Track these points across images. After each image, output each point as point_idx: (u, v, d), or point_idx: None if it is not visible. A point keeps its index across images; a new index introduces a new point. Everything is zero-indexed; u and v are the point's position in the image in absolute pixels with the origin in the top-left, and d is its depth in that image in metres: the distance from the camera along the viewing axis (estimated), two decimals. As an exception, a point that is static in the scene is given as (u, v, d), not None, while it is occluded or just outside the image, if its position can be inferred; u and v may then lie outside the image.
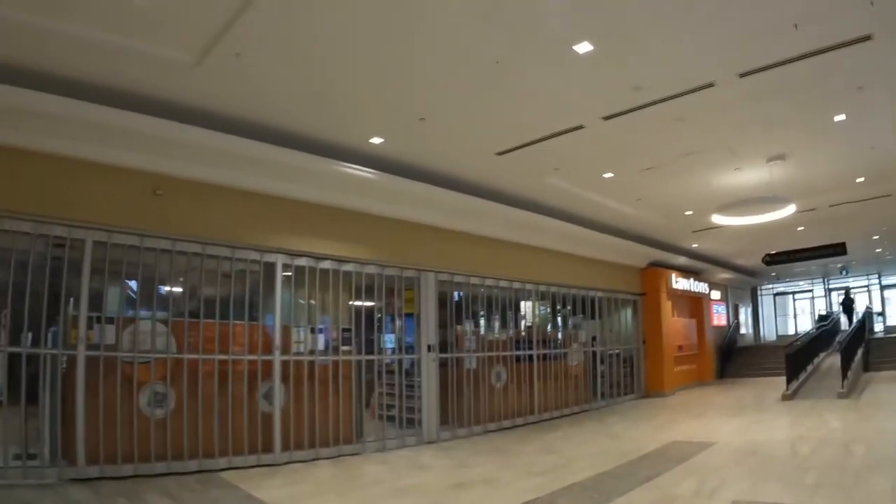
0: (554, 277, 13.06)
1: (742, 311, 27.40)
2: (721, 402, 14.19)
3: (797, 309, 34.44)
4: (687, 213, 13.19)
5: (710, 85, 6.90)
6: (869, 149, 9.49)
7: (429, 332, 9.82)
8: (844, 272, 29.96)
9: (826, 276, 32.35)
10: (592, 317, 14.64)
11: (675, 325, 17.78)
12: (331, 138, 8.03)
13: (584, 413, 13.08)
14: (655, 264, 16.87)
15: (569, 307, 13.85)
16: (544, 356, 12.42)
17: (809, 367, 16.07)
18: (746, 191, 11.03)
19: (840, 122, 8.23)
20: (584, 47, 5.94)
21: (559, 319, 13.98)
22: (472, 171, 9.67)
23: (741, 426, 10.07)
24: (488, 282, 11.23)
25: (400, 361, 9.99)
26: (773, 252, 18.23)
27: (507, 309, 11.80)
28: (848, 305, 25.14)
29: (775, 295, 33.82)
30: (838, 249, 16.85)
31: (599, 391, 14.43)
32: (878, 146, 9.40)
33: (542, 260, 12.63)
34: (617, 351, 15.57)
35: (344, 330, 8.92)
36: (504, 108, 7.40)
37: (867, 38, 5.95)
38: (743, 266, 24.16)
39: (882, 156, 9.84)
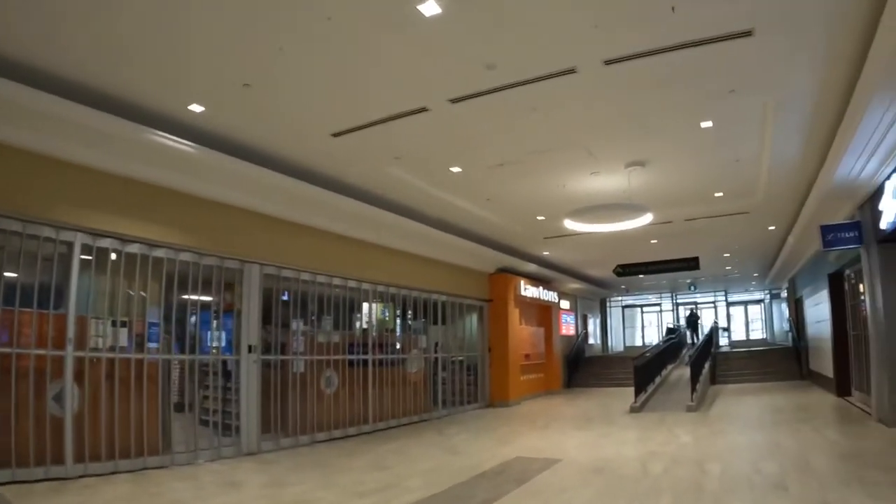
0: (396, 279, 13.46)
1: (591, 321, 29.40)
2: (568, 412, 15.09)
3: (645, 322, 37.09)
4: (539, 217, 14.02)
5: (572, 71, 6.80)
6: (733, 161, 10.33)
7: (251, 330, 9.69)
8: (693, 288, 32.86)
9: (674, 291, 35.47)
10: (436, 322, 15.11)
11: (522, 333, 18.72)
12: (140, 101, 7.35)
13: (424, 423, 13.52)
14: (504, 270, 17.79)
15: (410, 311, 14.25)
16: (381, 361, 12.74)
17: (657, 379, 17.74)
18: (602, 197, 11.68)
19: (707, 129, 8.63)
20: (430, 7, 5.57)
21: (399, 323, 14.25)
22: (306, 153, 9.38)
23: (588, 440, 10.17)
24: (321, 279, 11.34)
25: (224, 362, 9.80)
26: (626, 263, 19.82)
27: (342, 309, 11.97)
28: (693, 322, 27.85)
29: (624, 307, 36.34)
30: (691, 264, 18.82)
31: (441, 400, 14.97)
32: (743, 160, 10.24)
33: (384, 259, 12.98)
34: (461, 358, 16.22)
35: (151, 324, 8.50)
36: (338, 78, 6.99)
37: (748, 33, 6.04)
38: (594, 277, 26.08)
39: (744, 170, 10.86)
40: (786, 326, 27.04)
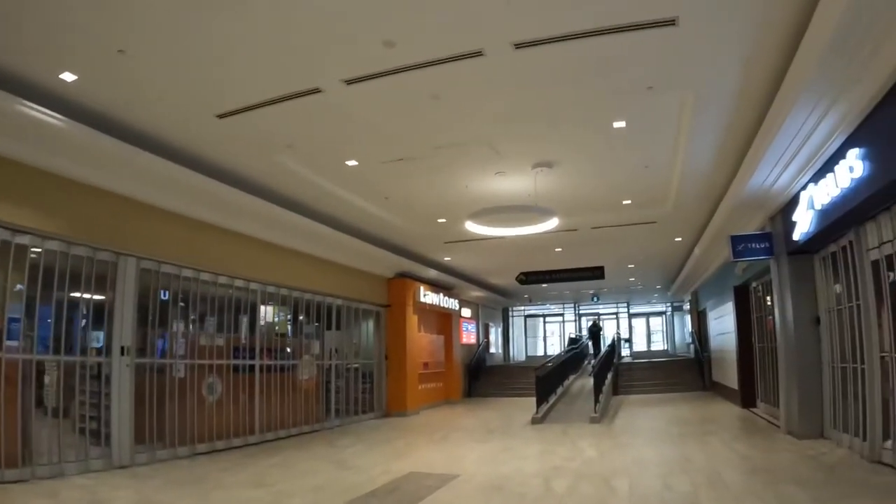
0: (288, 280, 13.20)
1: (493, 330, 29.85)
2: (467, 424, 15.15)
3: (548, 332, 37.86)
4: (440, 220, 14.00)
5: (479, 53, 6.58)
6: (644, 167, 10.60)
7: (125, 330, 9.12)
8: (596, 299, 34.16)
9: (577, 302, 36.74)
10: (330, 327, 14.96)
11: (421, 340, 18.75)
12: (5, 64, 6.68)
13: (315, 433, 13.31)
14: (404, 275, 17.80)
15: (303, 315, 13.99)
16: (269, 367, 12.45)
17: (559, 390, 18.12)
18: (507, 200, 11.77)
19: (619, 129, 8.73)
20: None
21: (290, 327, 13.97)
22: (190, 136, 8.78)
23: (488, 454, 10.03)
24: (205, 276, 10.92)
25: (98, 365, 9.14)
26: (529, 271, 20.17)
27: (228, 310, 11.57)
28: (595, 333, 28.26)
29: (527, 317, 37.06)
30: (597, 273, 19.42)
31: (334, 409, 14.81)
32: (654, 165, 10.50)
33: (276, 258, 12.68)
34: (356, 365, 16.09)
35: (12, 320, 7.84)
36: (223, 50, 6.52)
37: (671, 21, 5.96)
38: (496, 285, 26.53)
39: (655, 177, 11.16)
40: (688, 338, 28.13)
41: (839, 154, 7.31)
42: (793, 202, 9.47)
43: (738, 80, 7.29)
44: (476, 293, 24.80)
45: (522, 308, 36.35)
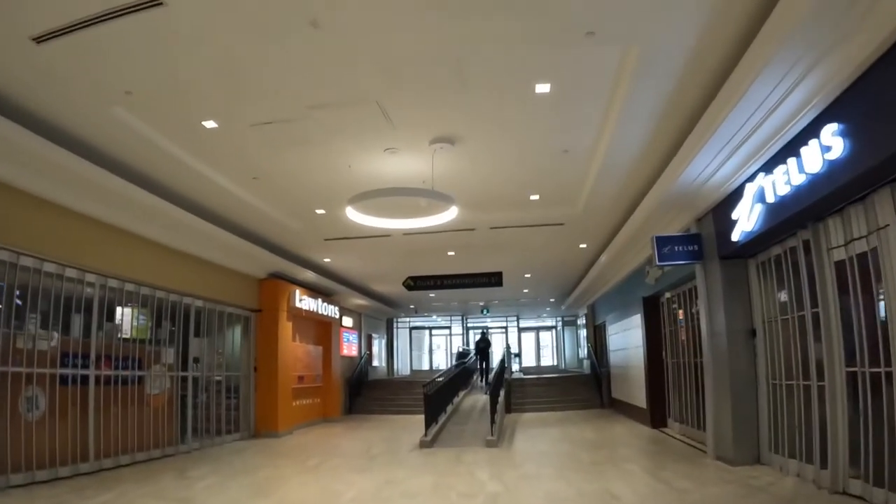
0: (135, 273, 11.14)
1: (376, 342, 28.39)
2: (347, 447, 13.55)
3: (434, 345, 36.80)
4: (318, 211, 12.32)
5: None
6: (560, 153, 9.37)
7: None
8: (485, 311, 33.39)
9: (465, 314, 35.85)
10: (189, 333, 13.09)
11: (296, 350, 17.07)
12: None
13: (168, 459, 11.37)
14: (277, 276, 16.02)
15: (156, 318, 12.04)
16: (108, 378, 10.42)
17: (449, 408, 16.76)
18: (398, 185, 10.14)
19: (542, 96, 7.43)
20: None
21: (139, 329, 12.05)
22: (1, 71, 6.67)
23: (370, 488, 8.54)
24: (26, 261, 8.72)
25: None
26: (418, 276, 18.57)
27: (55, 307, 9.35)
28: (483, 348, 26.01)
29: (412, 328, 35.82)
30: (494, 280, 18.06)
31: (193, 429, 12.87)
32: (573, 151, 9.29)
33: (118, 244, 10.60)
34: (220, 377, 14.32)
35: None
36: None
37: None
38: (381, 293, 25.05)
39: (571, 168, 9.97)
40: (582, 353, 27.67)
41: (810, 132, 6.23)
42: (732, 198, 8.49)
43: (697, 34, 6.07)
44: (359, 301, 23.22)
45: (408, 319, 35.18)
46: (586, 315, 25.38)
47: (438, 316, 35.86)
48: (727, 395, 9.07)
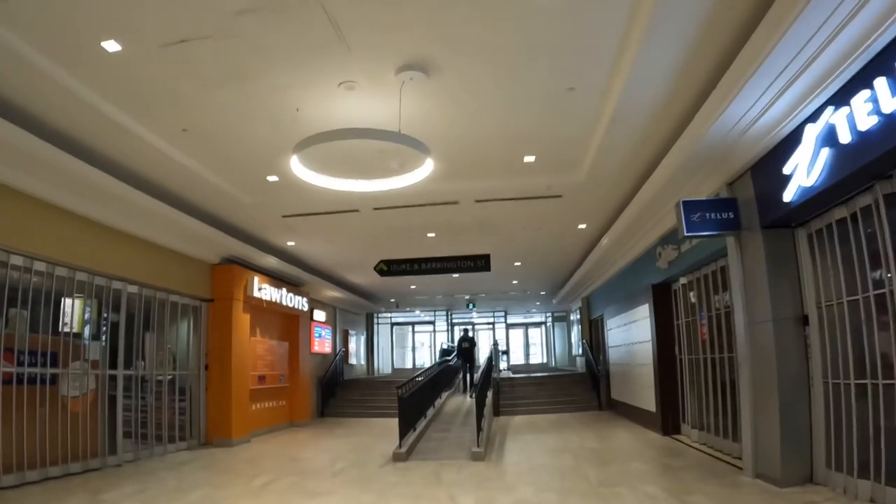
0: (57, 253, 9.30)
1: (354, 338, 26.51)
2: (308, 459, 11.60)
3: (417, 342, 35.20)
4: (271, 178, 10.38)
5: None
6: (564, 91, 7.47)
7: None
8: (471, 306, 31.67)
9: (450, 309, 34.20)
10: (135, 325, 11.39)
11: (256, 346, 15.20)
12: None
13: (91, 474, 9.54)
14: (233, 261, 14.16)
15: (75, 302, 10.11)
16: (14, 377, 8.60)
17: (431, 412, 14.96)
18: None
19: (544, 6, 5.68)
20: None
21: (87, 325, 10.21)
22: None
23: None
24: None
25: None
26: (393, 259, 16.48)
27: None
28: (467, 349, 21.89)
29: (394, 324, 34.25)
30: (480, 264, 15.83)
31: (125, 438, 10.93)
32: (582, 88, 7.40)
33: (36, 220, 8.77)
34: (165, 376, 12.55)
35: None
36: None
37: None
38: (357, 285, 23.28)
39: (576, 113, 8.08)
40: (576, 350, 25.92)
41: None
42: (783, 147, 6.71)
43: None
44: (333, 293, 21.33)
45: (389, 314, 33.43)
46: (581, 309, 23.54)
47: (422, 311, 34.10)
48: (771, 399, 7.26)
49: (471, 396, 15.49)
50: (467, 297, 28.93)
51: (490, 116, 8.18)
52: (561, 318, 34.95)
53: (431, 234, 14.34)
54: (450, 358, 22.17)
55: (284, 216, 12.54)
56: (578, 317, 24.49)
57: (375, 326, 31.96)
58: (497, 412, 17.54)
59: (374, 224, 13.15)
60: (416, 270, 15.91)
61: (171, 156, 9.14)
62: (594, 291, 20.57)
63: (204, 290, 13.62)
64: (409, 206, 11.57)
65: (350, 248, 15.99)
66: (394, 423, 11.96)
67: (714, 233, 8.01)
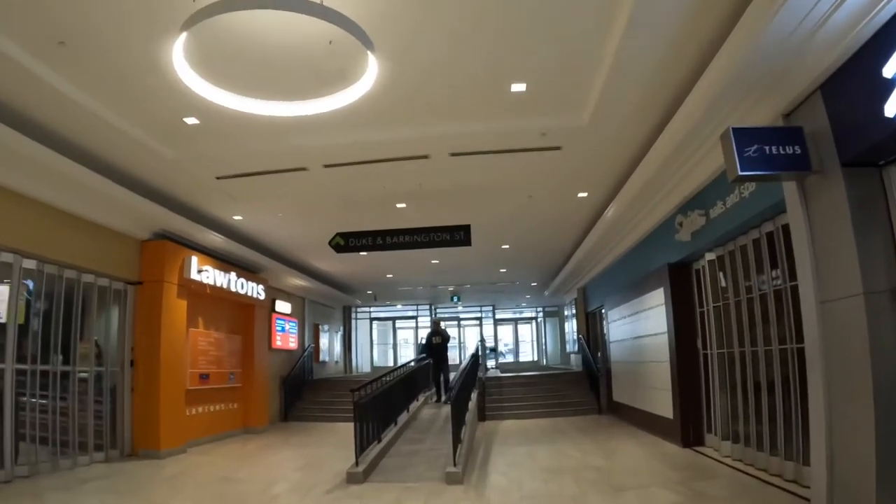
0: None
1: (326, 333, 24.17)
2: (245, 478, 9.33)
3: (399, 338, 33.36)
4: (189, 120, 8.09)
5: None
6: None
7: None
8: (456, 299, 29.82)
9: (434, 303, 32.27)
10: (44, 310, 9.42)
11: (196, 339, 13.09)
12: None
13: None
14: (167, 237, 12.02)
15: None
16: None
17: (403, 417, 12.80)
18: (277, 41, 6.07)
19: None
20: None
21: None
22: None
23: None
24: None
25: None
26: (351, 232, 13.64)
27: None
28: (439, 347, 17.38)
29: (373, 319, 32.41)
30: (459, 236, 13.12)
31: (11, 447, 8.65)
32: None
33: None
34: (89, 373, 10.57)
35: None
36: None
37: None
38: (327, 273, 21.16)
39: (581, 8, 5.95)
40: (571, 347, 23.80)
41: None
42: (882, 41, 4.61)
43: None
44: (298, 282, 19.19)
45: (368, 309, 31.36)
46: (576, 301, 21.33)
47: (404, 305, 31.98)
48: (860, 408, 5.09)
49: (445, 403, 13.24)
50: (451, 288, 26.82)
51: (467, 20, 6.01)
52: (553, 314, 33.18)
53: (401, 205, 12.13)
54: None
55: (219, 177, 10.31)
56: (574, 311, 22.29)
57: (354, 321, 29.99)
58: (483, 416, 15.50)
59: (329, 190, 11.03)
60: (380, 245, 13.11)
61: (57, 87, 6.94)
62: (592, 280, 18.40)
63: (131, 270, 11.46)
64: (367, 163, 9.40)
65: (307, 224, 13.76)
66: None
67: (776, 172, 5.76)
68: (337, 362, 26.43)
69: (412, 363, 15.70)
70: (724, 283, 9.01)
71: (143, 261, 11.71)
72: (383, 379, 11.51)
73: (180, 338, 12.13)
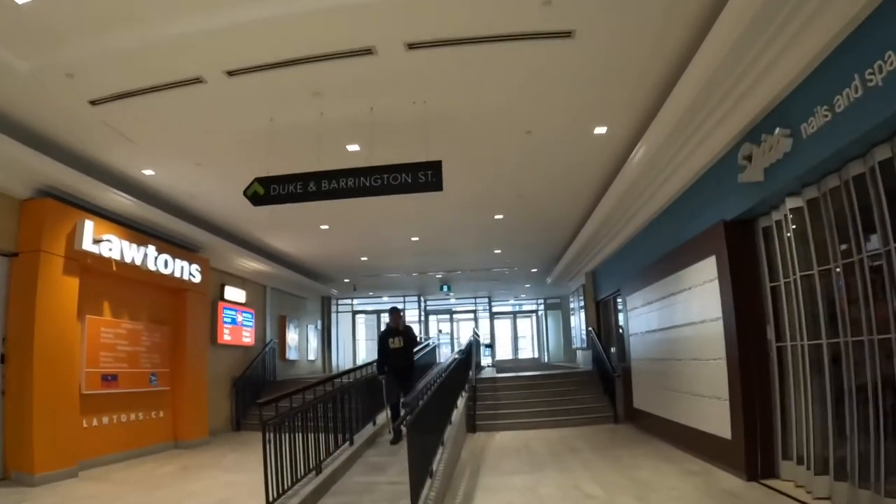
0: None
1: (296, 327, 21.39)
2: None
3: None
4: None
5: None
6: None
7: None
8: (446, 289, 27.76)
9: (423, 294, 30.42)
10: None
11: (98, 330, 10.45)
12: None
13: None
14: (54, 195, 9.40)
15: None
16: None
17: (369, 430, 10.09)
18: None
19: None
20: None
21: None
22: None
23: None
24: None
25: None
26: (275, 176, 8.88)
27: None
28: (400, 354, 10.56)
29: (355, 312, 30.40)
30: (425, 178, 8.81)
31: None
32: None
33: None
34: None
35: None
36: None
37: None
38: (288, 255, 18.38)
39: None
40: (578, 342, 21.09)
41: None
42: None
43: None
44: (254, 265, 16.52)
45: (350, 300, 28.87)
46: (584, 288, 18.53)
47: (389, 297, 29.46)
48: None
49: (393, 442, 9.89)
50: (440, 275, 24.14)
51: None
52: (555, 306, 30.98)
53: (353, 147, 9.29)
54: (422, 346, 16.95)
55: (93, 102, 7.55)
56: (581, 301, 19.50)
57: (334, 315, 27.68)
58: (473, 427, 12.89)
59: (246, 121, 8.37)
60: (314, 192, 8.64)
61: None
62: (605, 261, 15.59)
63: (6, 238, 8.80)
64: (282, 65, 6.70)
65: (231, 180, 10.46)
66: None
67: None
68: (313, 360, 23.78)
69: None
70: (812, 244, 6.29)
71: (22, 226, 9.05)
72: (336, 381, 8.78)
73: (69, 327, 9.41)
